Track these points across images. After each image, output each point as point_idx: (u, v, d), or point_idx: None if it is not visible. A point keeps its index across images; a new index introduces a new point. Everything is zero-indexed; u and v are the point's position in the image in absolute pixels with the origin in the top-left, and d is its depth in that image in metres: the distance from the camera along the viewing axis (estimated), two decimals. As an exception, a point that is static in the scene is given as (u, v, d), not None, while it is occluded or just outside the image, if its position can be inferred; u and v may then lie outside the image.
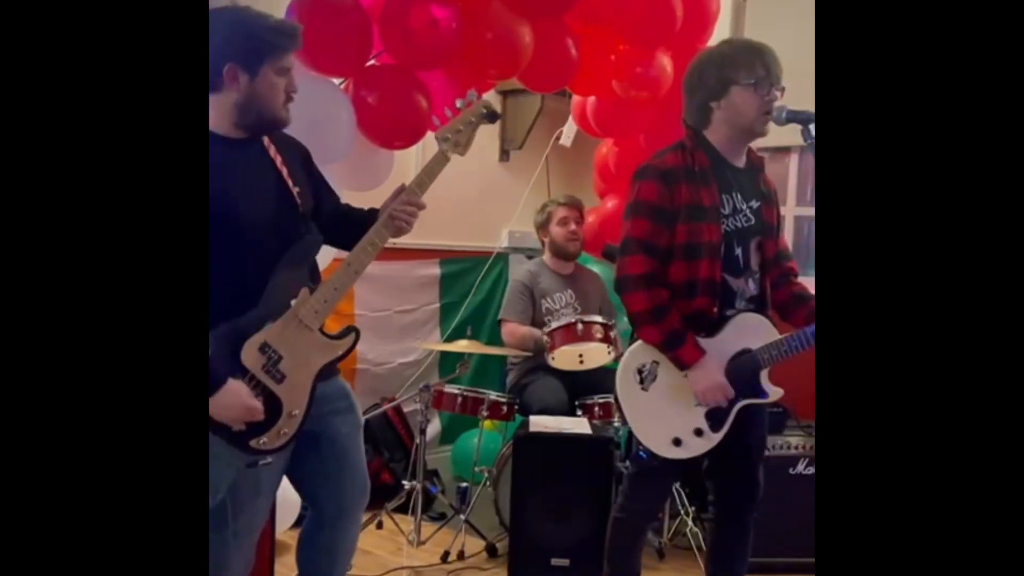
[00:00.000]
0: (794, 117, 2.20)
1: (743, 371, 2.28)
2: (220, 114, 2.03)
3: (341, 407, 2.21)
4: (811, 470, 3.24)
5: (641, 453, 2.34)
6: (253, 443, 1.96)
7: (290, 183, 2.11)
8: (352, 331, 2.12)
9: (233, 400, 1.91)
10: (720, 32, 3.91)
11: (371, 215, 2.22)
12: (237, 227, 1.99)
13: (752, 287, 2.33)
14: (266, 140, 2.13)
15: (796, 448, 3.25)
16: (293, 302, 2.02)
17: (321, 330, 2.06)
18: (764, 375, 2.32)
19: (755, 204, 2.32)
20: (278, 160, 2.12)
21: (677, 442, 2.29)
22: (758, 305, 2.34)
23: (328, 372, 2.13)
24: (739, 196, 2.29)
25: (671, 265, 2.26)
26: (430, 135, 3.36)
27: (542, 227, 4.00)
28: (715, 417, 2.29)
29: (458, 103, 2.20)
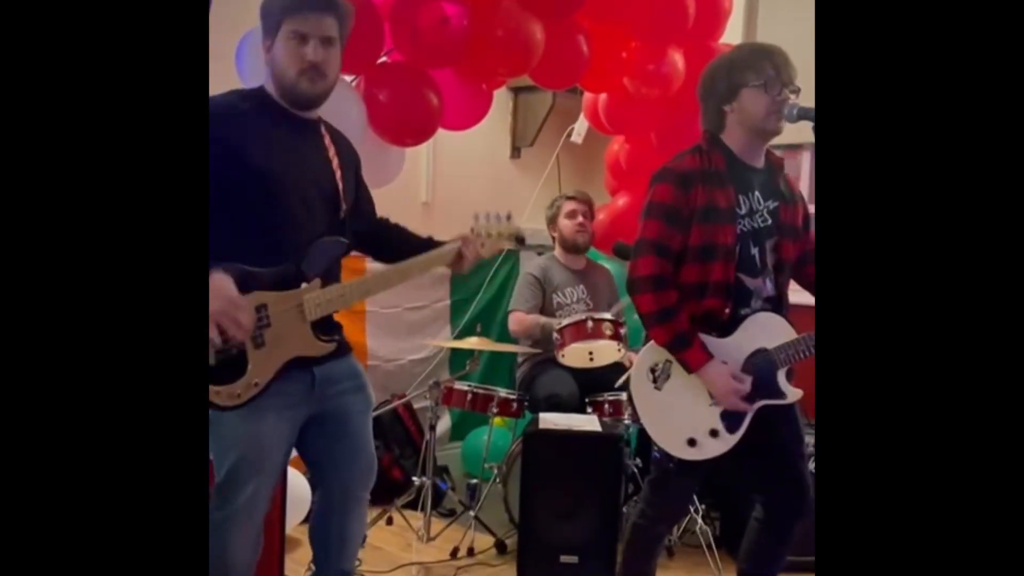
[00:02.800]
0: (805, 114, 2.19)
1: (759, 371, 2.26)
2: (269, 84, 2.11)
3: (351, 387, 2.21)
4: (821, 468, 3.20)
5: (656, 453, 2.32)
6: (212, 388, 1.95)
7: (339, 179, 2.15)
8: (336, 339, 2.14)
9: (216, 291, 1.87)
10: (732, 29, 3.90)
11: (405, 237, 2.40)
12: (274, 188, 2.03)
13: (769, 287, 2.32)
14: (324, 133, 2.18)
15: (807, 447, 3.21)
16: (304, 285, 2.04)
17: (313, 325, 2.07)
18: (782, 375, 2.29)
19: (772, 204, 2.31)
20: (331, 152, 2.16)
21: (692, 442, 2.27)
22: (775, 305, 2.32)
23: (341, 351, 2.16)
24: (757, 196, 2.29)
25: (684, 266, 2.26)
26: (440, 132, 3.37)
27: (551, 222, 4.02)
28: (731, 418, 2.26)
29: (502, 215, 2.41)
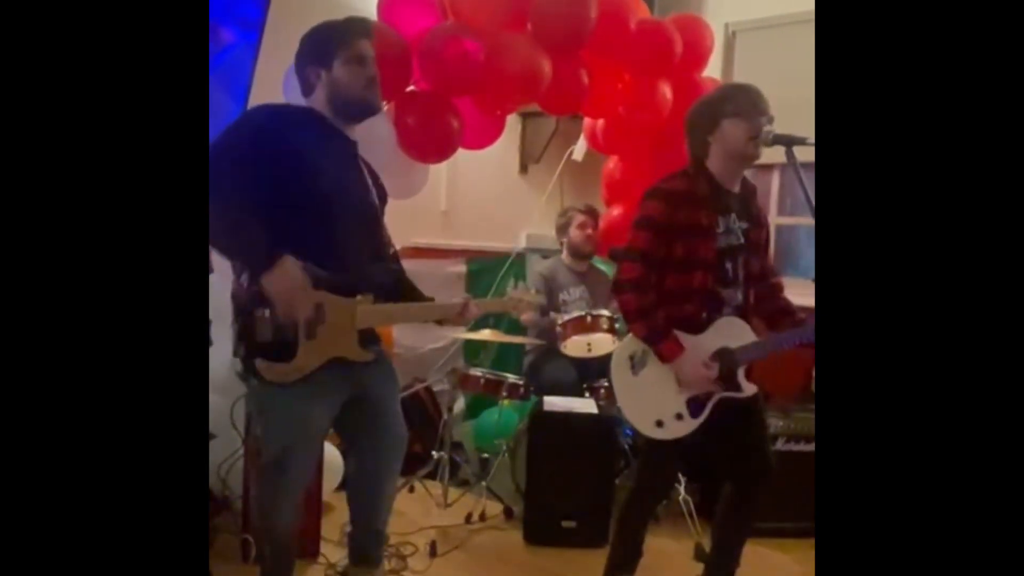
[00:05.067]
0: (779, 139, 2.22)
1: (721, 367, 2.29)
2: (321, 107, 2.11)
3: (380, 372, 2.24)
4: (789, 447, 3.25)
5: (627, 431, 2.36)
6: (258, 362, 1.97)
7: (376, 204, 2.18)
8: (378, 356, 2.16)
9: (287, 276, 1.90)
10: (713, 63, 3.92)
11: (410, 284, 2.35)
12: (323, 195, 2.03)
13: (739, 296, 2.35)
14: (362, 163, 2.19)
15: (775, 428, 3.26)
16: (359, 297, 2.07)
17: (361, 333, 2.10)
18: (741, 372, 2.32)
19: (744, 225, 2.34)
20: (369, 182, 2.18)
21: (659, 424, 2.30)
22: (742, 312, 2.36)
23: (372, 340, 2.17)
24: (733, 217, 2.32)
25: (668, 275, 2.29)
26: (460, 152, 3.41)
27: (562, 229, 4.04)
28: (695, 405, 2.30)
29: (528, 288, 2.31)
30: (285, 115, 2.08)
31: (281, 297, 1.92)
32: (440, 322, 2.35)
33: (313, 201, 2.02)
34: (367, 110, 2.14)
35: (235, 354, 2.01)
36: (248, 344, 1.97)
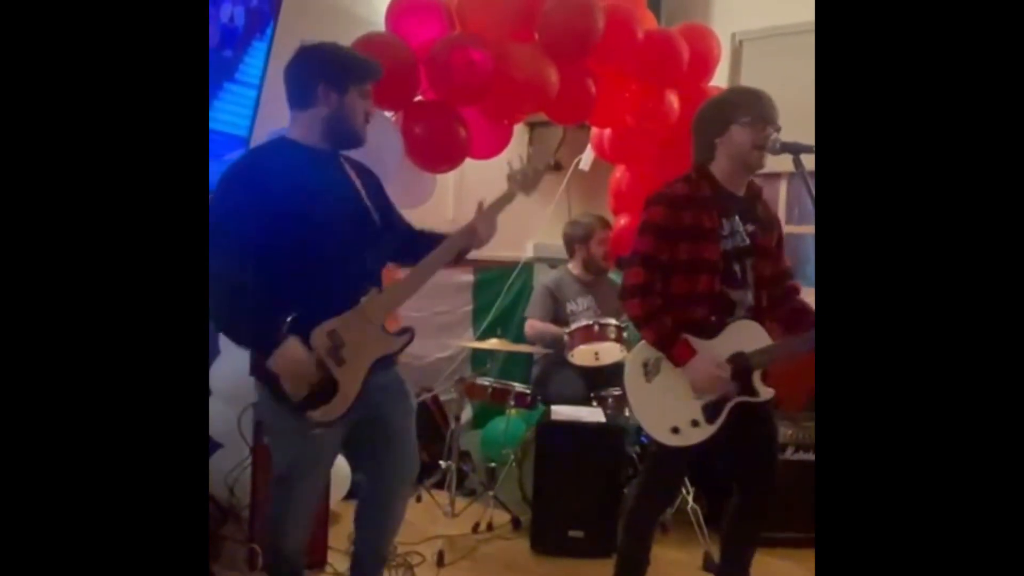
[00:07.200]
0: (786, 147, 2.21)
1: (736, 371, 2.27)
2: (309, 127, 2.10)
3: (395, 395, 2.22)
4: (798, 456, 3.23)
5: (643, 438, 2.34)
6: (309, 413, 1.98)
7: (366, 200, 2.16)
8: (408, 331, 2.14)
9: (291, 353, 1.94)
10: (720, 72, 3.92)
11: (435, 237, 2.27)
12: (314, 225, 2.02)
13: (750, 299, 2.33)
14: (343, 162, 2.18)
15: (784, 437, 3.23)
16: (363, 299, 2.05)
17: (383, 326, 2.09)
18: (756, 376, 2.29)
19: (751, 228, 2.33)
20: (356, 182, 2.17)
21: (675, 430, 2.28)
22: (755, 315, 2.34)
23: (387, 363, 2.14)
24: (737, 220, 2.31)
25: (673, 278, 2.27)
26: (468, 161, 3.41)
27: (581, 241, 3.95)
28: (711, 410, 2.28)
29: (529, 149, 2.26)
30: (258, 166, 2.06)
31: (286, 374, 1.96)
32: (459, 257, 2.25)
33: (306, 244, 2.01)
34: (356, 142, 2.17)
35: (281, 402, 2.01)
36: (291, 404, 1.99)
